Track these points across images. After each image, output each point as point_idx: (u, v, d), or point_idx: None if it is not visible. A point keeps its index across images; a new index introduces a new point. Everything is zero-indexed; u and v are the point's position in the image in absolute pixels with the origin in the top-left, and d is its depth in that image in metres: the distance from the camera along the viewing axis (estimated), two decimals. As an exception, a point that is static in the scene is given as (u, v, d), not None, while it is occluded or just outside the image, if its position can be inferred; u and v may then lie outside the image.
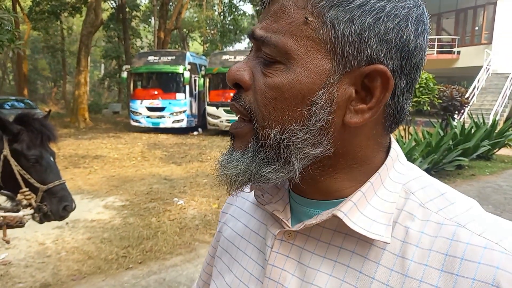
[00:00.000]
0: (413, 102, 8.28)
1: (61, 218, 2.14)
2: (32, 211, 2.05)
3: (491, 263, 0.41)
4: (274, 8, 0.47)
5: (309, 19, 0.44)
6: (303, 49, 0.45)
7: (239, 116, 0.51)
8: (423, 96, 8.32)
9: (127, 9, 25.11)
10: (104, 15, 23.80)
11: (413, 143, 7.26)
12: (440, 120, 10.15)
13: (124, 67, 16.24)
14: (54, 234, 4.45)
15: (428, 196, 0.49)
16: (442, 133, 8.52)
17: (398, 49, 0.45)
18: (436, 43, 19.26)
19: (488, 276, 0.40)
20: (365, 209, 0.48)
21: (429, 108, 8.83)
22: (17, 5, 21.60)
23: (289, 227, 0.52)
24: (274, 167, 0.48)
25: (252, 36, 0.49)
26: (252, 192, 0.60)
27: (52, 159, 2.15)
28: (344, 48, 0.44)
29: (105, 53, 29.22)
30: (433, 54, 19.41)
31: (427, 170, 7.51)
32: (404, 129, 8.77)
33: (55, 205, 2.08)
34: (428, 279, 0.43)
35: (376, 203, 0.48)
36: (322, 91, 0.45)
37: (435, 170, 7.75)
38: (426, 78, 8.51)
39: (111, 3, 28.23)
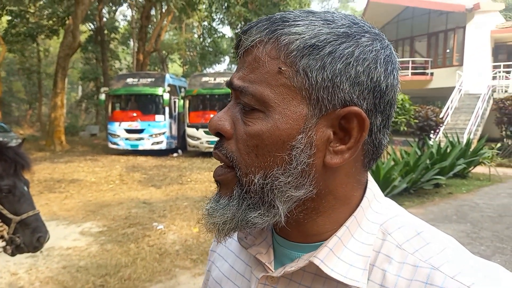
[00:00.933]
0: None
1: (34, 249, 2.05)
2: (4, 243, 1.95)
3: None
4: (248, 59, 0.49)
5: (282, 68, 0.47)
6: (279, 97, 0.47)
7: (222, 163, 0.52)
8: (399, 117, 8.53)
9: (106, 31, 25.07)
10: (82, 37, 23.66)
11: (392, 163, 7.37)
12: (416, 140, 10.39)
13: (102, 89, 16.07)
14: (27, 263, 4.25)
15: (404, 237, 0.49)
16: (419, 153, 8.70)
17: (370, 90, 0.47)
18: (410, 65, 19.89)
19: None
20: (342, 253, 0.49)
21: (405, 128, 9.04)
22: (-8, 27, 21.24)
23: (272, 271, 0.53)
24: (259, 212, 0.49)
25: (231, 86, 0.51)
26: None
27: (26, 188, 2.07)
28: (319, 93, 0.46)
29: (82, 75, 28.91)
30: (408, 75, 20.01)
31: (406, 189, 7.63)
32: (383, 149, 8.90)
33: (28, 237, 1.99)
34: None
35: (353, 246, 0.49)
36: (301, 136, 0.47)
37: (414, 189, 7.87)
38: (402, 99, 8.74)
39: (89, 25, 28.15)
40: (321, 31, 0.47)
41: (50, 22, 22.51)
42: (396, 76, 0.50)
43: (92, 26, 27.72)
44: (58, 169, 11.07)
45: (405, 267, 0.47)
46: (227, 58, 35.69)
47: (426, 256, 0.47)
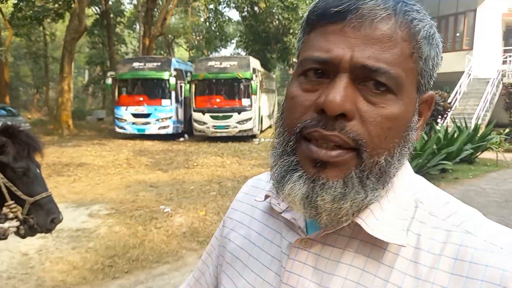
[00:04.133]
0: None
1: (48, 230, 2.10)
2: (18, 223, 1.99)
3: (498, 265, 0.45)
4: (375, 35, 0.47)
5: (414, 53, 0.49)
6: (409, 80, 0.50)
7: (333, 144, 0.48)
8: (407, 101, 8.45)
9: (112, 15, 24.94)
10: (88, 21, 23.58)
11: (398, 148, 7.34)
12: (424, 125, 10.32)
13: (108, 74, 16.08)
14: (37, 244, 4.35)
15: (435, 205, 0.53)
16: (426, 138, 8.65)
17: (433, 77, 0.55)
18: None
19: (496, 277, 0.44)
20: (381, 216, 0.51)
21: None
22: (-1, 10, 21.22)
23: (306, 235, 0.55)
24: (379, 191, 0.50)
25: (354, 63, 0.47)
26: (260, 201, 0.65)
27: (38, 170, 2.11)
28: (425, 79, 0.52)
29: (89, 59, 28.94)
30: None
31: (412, 174, 7.61)
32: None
33: (42, 218, 2.04)
34: (440, 282, 0.46)
35: (390, 210, 0.52)
36: (415, 117, 0.53)
37: (421, 174, 7.81)
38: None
39: (95, 9, 28.00)
40: (431, 23, 0.51)
41: (56, 5, 22.39)
42: None
43: (98, 10, 27.56)
44: (66, 153, 11.20)
45: (438, 231, 0.50)
46: (233, 43, 35.43)
47: (458, 222, 0.50)
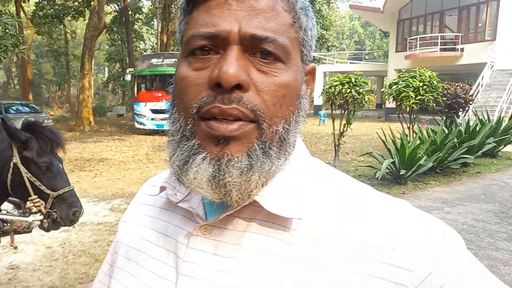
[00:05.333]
0: (417, 100, 8.25)
1: (70, 223, 2.16)
2: (41, 217, 2.06)
3: (388, 233, 0.47)
4: (259, 6, 0.48)
5: (295, 22, 0.51)
6: (294, 49, 0.51)
7: (231, 118, 0.47)
8: (427, 94, 8.29)
9: (130, 12, 25.22)
10: (107, 19, 23.91)
11: (418, 142, 7.23)
12: (444, 118, 10.11)
13: (127, 70, 16.32)
14: (61, 237, 4.48)
15: (330, 179, 0.54)
16: (446, 131, 8.48)
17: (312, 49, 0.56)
18: (439, 41, 19.17)
19: (383, 245, 0.46)
20: (279, 192, 0.51)
21: (434, 105, 8.80)
22: (21, 10, 21.74)
23: (204, 221, 0.53)
24: (281, 160, 0.50)
25: (242, 34, 0.47)
26: (155, 195, 0.63)
27: (60, 165, 2.17)
28: (306, 50, 0.53)
29: (108, 56, 29.35)
30: (436, 51, 19.33)
31: (432, 169, 7.50)
32: (408, 128, 8.74)
33: (65, 211, 2.10)
34: (336, 250, 0.47)
35: (288, 186, 0.52)
36: (304, 85, 0.54)
37: (440, 168, 7.72)
38: (429, 76, 8.48)
39: (114, 6, 28.35)
40: None
41: (76, 3, 22.82)
42: None
43: (117, 7, 27.90)
44: (88, 148, 11.44)
45: (335, 201, 0.51)
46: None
47: (351, 194, 0.52)
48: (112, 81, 31.84)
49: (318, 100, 23.50)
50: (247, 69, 0.47)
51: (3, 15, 11.95)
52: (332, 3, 25.43)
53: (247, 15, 0.47)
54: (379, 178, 6.81)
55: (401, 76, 8.78)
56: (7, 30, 11.39)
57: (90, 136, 14.50)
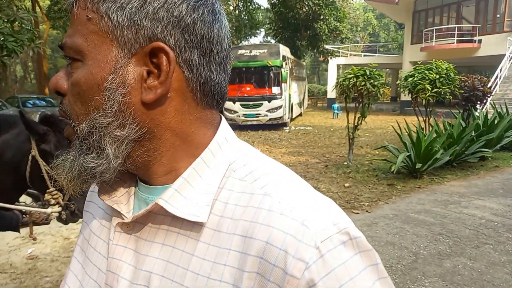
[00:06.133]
0: (433, 93, 8.12)
1: None
2: (59, 208, 2.09)
3: (283, 228, 0.45)
4: (71, 17, 0.52)
5: (89, 16, 0.49)
6: (91, 43, 0.49)
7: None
8: (443, 87, 8.15)
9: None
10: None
11: (434, 135, 7.12)
12: (461, 111, 9.93)
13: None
14: (78, 228, 4.55)
15: (248, 170, 0.52)
16: (464, 124, 8.34)
17: (175, 25, 0.48)
18: (456, 32, 18.79)
19: (278, 240, 0.44)
20: (187, 193, 0.51)
21: (451, 98, 8.65)
22: (37, 4, 22.02)
23: (125, 218, 0.55)
24: (92, 156, 0.51)
25: (59, 47, 0.53)
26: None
27: None
28: (123, 34, 0.48)
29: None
30: (453, 43, 18.96)
31: (449, 162, 7.38)
32: (424, 121, 8.61)
33: (82, 204, 2.12)
34: (235, 247, 0.47)
35: (199, 185, 0.51)
36: (112, 76, 0.48)
37: (457, 162, 7.60)
38: (446, 68, 8.33)
39: None
40: None
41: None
42: (206, 12, 0.50)
43: None
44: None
45: (243, 196, 0.49)
46: (262, 31, 35.21)
47: (262, 184, 0.50)
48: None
49: (332, 93, 23.32)
50: (67, 76, 0.52)
51: (19, 10, 12.12)
52: (346, -6, 25.13)
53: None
54: (394, 172, 6.73)
55: (417, 68, 8.64)
56: (23, 25, 11.55)
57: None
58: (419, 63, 9.00)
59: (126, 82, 0.48)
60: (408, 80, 8.54)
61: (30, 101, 16.62)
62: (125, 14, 0.48)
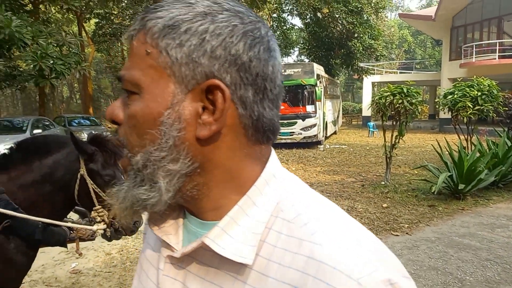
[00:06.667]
0: (475, 110, 7.84)
1: (131, 233, 2.24)
2: (104, 226, 2.16)
3: (337, 287, 0.43)
4: (129, 50, 0.54)
5: (148, 50, 0.50)
6: (148, 78, 0.50)
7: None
8: (486, 104, 7.85)
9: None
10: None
11: (477, 154, 6.84)
12: (506, 129, 9.49)
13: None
14: (119, 244, 4.68)
15: (296, 212, 0.50)
16: (509, 143, 7.95)
17: (231, 63, 0.49)
18: (497, 47, 18.15)
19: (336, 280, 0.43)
20: (234, 232, 0.50)
21: (494, 115, 8.31)
22: (83, 29, 23.34)
23: (176, 250, 0.56)
24: (145, 188, 0.52)
25: (117, 79, 0.56)
26: None
27: (122, 177, 2.27)
28: (181, 70, 0.49)
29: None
30: (495, 58, 18.29)
31: (494, 183, 7.04)
32: (466, 139, 8.29)
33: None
34: None
35: (245, 224, 0.51)
36: (169, 111, 0.49)
37: (504, 182, 7.24)
38: (488, 85, 8.03)
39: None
40: (180, 12, 0.50)
41: (132, 22, 24.14)
42: (262, 50, 0.51)
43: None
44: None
45: (292, 241, 0.48)
46: (296, 50, 35.46)
47: (312, 230, 0.48)
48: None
49: (367, 111, 22.97)
50: (123, 107, 0.54)
51: (67, 35, 12.89)
52: (380, 12, 24.92)
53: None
54: (435, 193, 6.49)
55: (457, 85, 8.38)
56: (71, 49, 12.27)
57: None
58: (459, 80, 8.74)
59: (182, 117, 0.49)
60: (448, 97, 8.29)
61: (75, 120, 17.45)
62: (184, 51, 0.49)
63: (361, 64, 24.81)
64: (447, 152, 7.14)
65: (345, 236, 0.48)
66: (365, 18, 23.00)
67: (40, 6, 17.50)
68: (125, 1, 24.57)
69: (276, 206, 0.52)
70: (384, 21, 35.39)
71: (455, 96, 8.09)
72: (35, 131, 11.60)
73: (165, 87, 0.49)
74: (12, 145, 2.12)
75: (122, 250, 4.56)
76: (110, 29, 23.59)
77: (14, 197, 1.93)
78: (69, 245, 2.42)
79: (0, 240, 1.89)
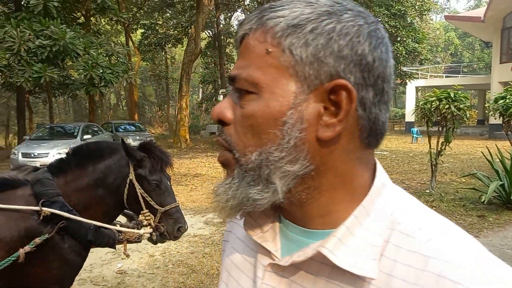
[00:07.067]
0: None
1: (175, 238, 2.32)
2: (151, 230, 2.26)
3: None
4: (241, 49, 0.53)
5: (269, 50, 0.49)
6: (269, 77, 0.49)
7: (221, 148, 0.55)
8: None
9: (222, 37, 26.73)
10: (202, 44, 25.70)
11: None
12: None
13: (220, 91, 17.22)
14: (162, 246, 4.83)
15: (416, 225, 0.48)
16: None
17: (356, 63, 0.48)
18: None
19: None
20: (351, 242, 0.48)
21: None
22: (129, 39, 24.40)
23: (278, 259, 0.54)
24: (258, 187, 0.51)
25: (230, 78, 0.54)
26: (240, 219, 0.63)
27: (168, 183, 2.36)
28: (305, 70, 0.48)
29: (202, 79, 31.34)
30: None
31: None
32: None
33: (170, 226, 2.26)
34: None
35: (362, 235, 0.49)
36: (291, 111, 0.48)
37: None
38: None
39: (208, 32, 30.34)
40: (304, 11, 0.49)
41: (175, 31, 24.98)
42: (384, 51, 0.50)
43: (210, 33, 29.82)
44: (184, 164, 12.24)
45: (415, 256, 0.45)
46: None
47: (438, 246, 0.45)
48: (205, 102, 33.85)
49: (410, 117, 22.23)
50: (232, 106, 0.53)
51: (116, 46, 13.53)
52: (424, 15, 24.11)
53: (237, 59, 0.55)
54: (485, 202, 6.18)
55: (509, 89, 7.96)
56: (119, 59, 12.87)
57: (186, 153, 15.50)
58: (511, 83, 8.29)
59: (304, 118, 0.48)
60: (499, 102, 7.89)
61: (121, 126, 18.29)
62: (309, 51, 0.48)
63: (404, 68, 24.08)
64: (498, 160, 6.78)
65: (477, 256, 0.45)
66: (409, 21, 22.35)
67: (91, 18, 18.54)
68: (169, 12, 25.45)
69: (390, 218, 0.49)
70: (428, 23, 34.22)
71: (507, 100, 7.69)
72: (85, 137, 12.27)
73: (286, 86, 0.49)
74: (69, 150, 2.28)
75: (164, 253, 4.71)
76: (155, 38, 24.55)
77: (69, 199, 2.06)
78: (116, 246, 2.54)
79: (56, 240, 2.01)
